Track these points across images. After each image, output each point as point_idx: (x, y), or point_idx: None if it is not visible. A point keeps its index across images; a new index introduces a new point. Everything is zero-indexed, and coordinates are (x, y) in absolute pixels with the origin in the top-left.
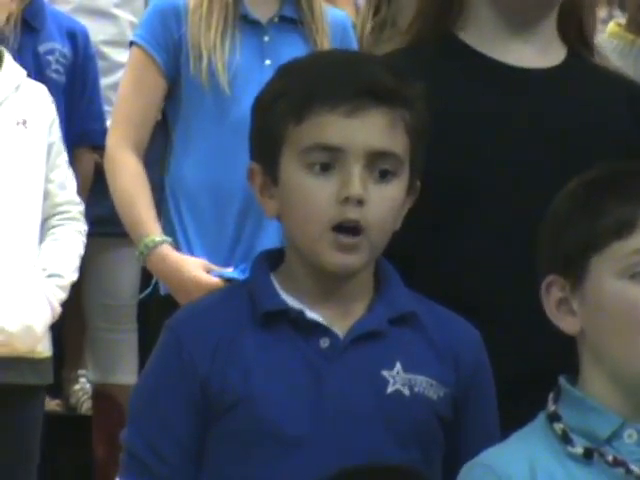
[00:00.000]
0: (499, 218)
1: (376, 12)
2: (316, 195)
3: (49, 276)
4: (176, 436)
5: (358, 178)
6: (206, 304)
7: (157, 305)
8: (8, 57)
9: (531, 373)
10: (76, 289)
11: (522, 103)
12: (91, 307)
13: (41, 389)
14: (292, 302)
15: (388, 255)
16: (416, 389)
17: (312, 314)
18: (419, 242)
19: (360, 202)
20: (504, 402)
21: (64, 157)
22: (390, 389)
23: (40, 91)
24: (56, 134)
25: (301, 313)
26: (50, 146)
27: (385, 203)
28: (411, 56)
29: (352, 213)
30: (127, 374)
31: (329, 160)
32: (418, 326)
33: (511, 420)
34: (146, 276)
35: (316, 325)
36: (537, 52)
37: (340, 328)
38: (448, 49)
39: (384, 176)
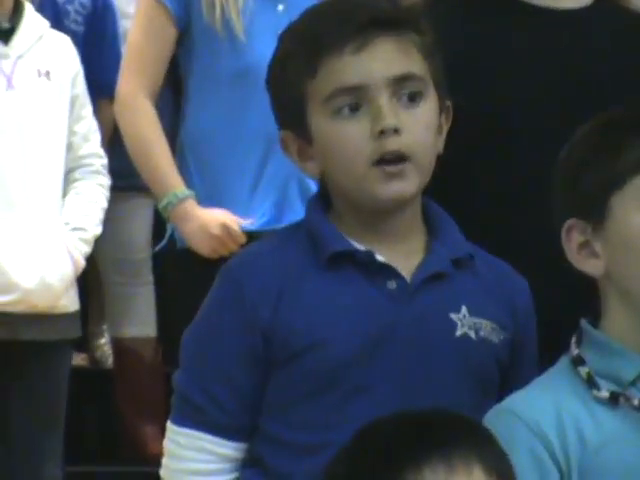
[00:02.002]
0: (531, 155)
1: None
2: (350, 135)
3: (72, 230)
4: (235, 384)
5: (387, 108)
6: (264, 249)
7: (174, 259)
8: (29, 7)
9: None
10: None
11: (553, 42)
12: (106, 262)
13: (66, 345)
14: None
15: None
16: (481, 333)
17: (379, 256)
18: (449, 178)
19: (396, 131)
20: None
21: (89, 109)
22: (459, 332)
23: (64, 42)
24: (81, 86)
25: (370, 255)
26: (74, 98)
27: (420, 125)
28: (439, 2)
29: (391, 144)
30: (145, 326)
31: (355, 100)
32: (474, 270)
33: None
34: (158, 227)
35: (383, 267)
36: None
37: (404, 269)
38: None
39: (413, 99)
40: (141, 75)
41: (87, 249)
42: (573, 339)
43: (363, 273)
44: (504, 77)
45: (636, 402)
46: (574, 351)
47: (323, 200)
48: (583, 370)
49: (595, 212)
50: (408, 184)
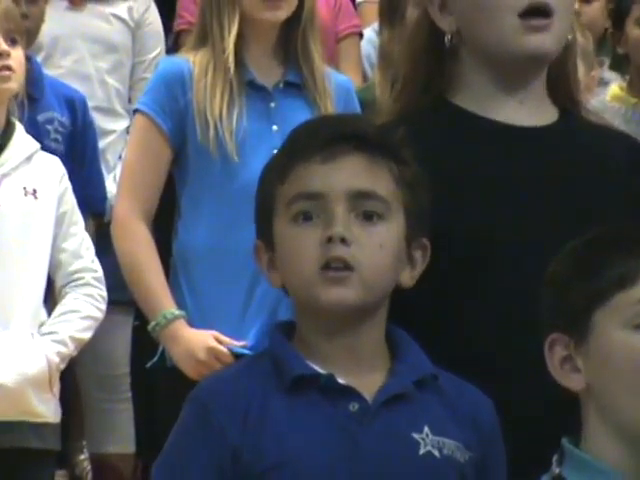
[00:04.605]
0: (514, 280)
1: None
2: (303, 240)
3: (44, 334)
4: None
5: (340, 218)
6: (229, 374)
7: (164, 376)
8: (20, 128)
9: (548, 443)
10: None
11: (523, 163)
12: (86, 377)
13: (47, 455)
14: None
15: (401, 319)
16: (445, 451)
17: (341, 379)
18: (433, 306)
19: (344, 241)
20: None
21: (80, 226)
22: (422, 451)
23: (53, 162)
24: (69, 204)
25: (331, 378)
26: (61, 216)
27: (373, 243)
28: (405, 125)
29: (337, 251)
30: (124, 443)
31: (312, 208)
32: (438, 390)
33: None
34: (144, 343)
35: (345, 389)
36: (532, 111)
37: (365, 390)
38: (443, 115)
39: (370, 218)
40: (136, 197)
41: (62, 348)
42: (554, 457)
43: (325, 395)
44: (479, 204)
45: None
46: (555, 470)
47: (287, 325)
48: None
49: (578, 327)
50: (349, 292)
